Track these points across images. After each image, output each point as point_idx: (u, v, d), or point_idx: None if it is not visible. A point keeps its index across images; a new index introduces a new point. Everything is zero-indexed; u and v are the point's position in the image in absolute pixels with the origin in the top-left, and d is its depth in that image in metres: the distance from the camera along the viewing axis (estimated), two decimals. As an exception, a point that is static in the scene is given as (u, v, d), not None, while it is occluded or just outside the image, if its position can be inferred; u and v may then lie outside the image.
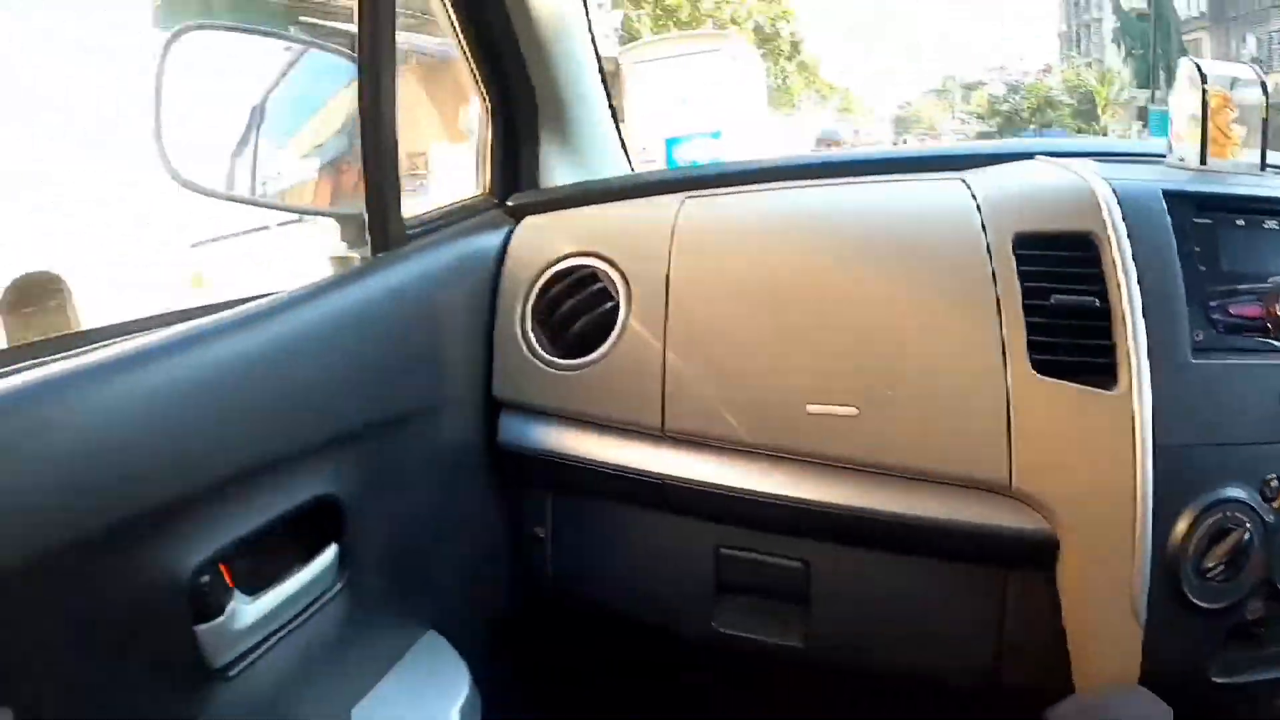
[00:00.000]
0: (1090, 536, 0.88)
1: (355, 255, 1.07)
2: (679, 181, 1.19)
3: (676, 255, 1.07)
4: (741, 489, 1.01)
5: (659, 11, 15.64)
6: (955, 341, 0.93)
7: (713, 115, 8.99)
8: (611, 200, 1.21)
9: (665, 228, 1.09)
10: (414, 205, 1.13)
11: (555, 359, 1.11)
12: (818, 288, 1.00)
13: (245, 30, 1.20)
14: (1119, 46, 24.15)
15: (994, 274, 0.92)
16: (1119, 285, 0.87)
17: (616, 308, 1.09)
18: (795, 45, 23.61)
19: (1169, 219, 0.90)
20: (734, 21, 17.86)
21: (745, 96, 10.33)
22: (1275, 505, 0.86)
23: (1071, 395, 0.87)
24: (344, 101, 1.17)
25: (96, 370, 0.68)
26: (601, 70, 1.35)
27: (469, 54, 1.22)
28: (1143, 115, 20.01)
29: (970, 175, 1.05)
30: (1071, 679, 0.92)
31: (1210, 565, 0.84)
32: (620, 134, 1.43)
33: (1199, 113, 0.99)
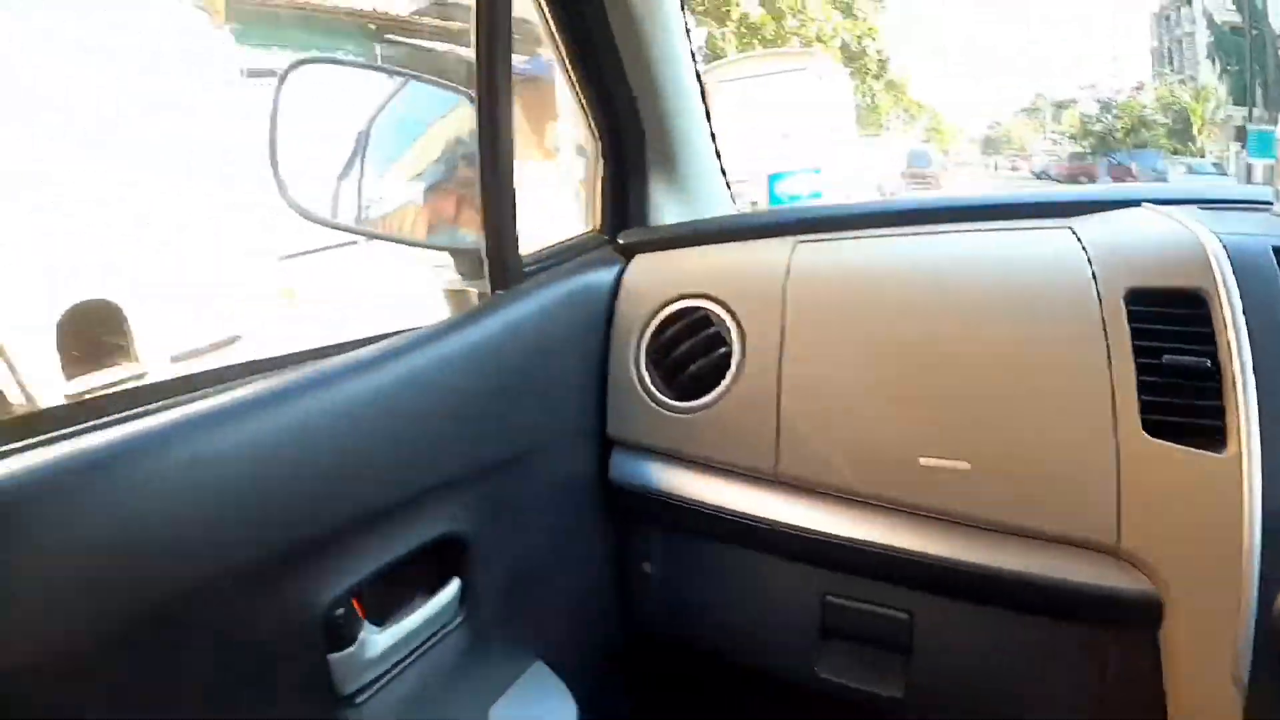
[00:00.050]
0: (1195, 599, 0.86)
1: (472, 290, 1.12)
2: (790, 225, 1.19)
3: (791, 301, 1.07)
4: (851, 538, 1.01)
5: (743, 30, 15.59)
6: (1066, 398, 0.91)
7: (799, 134, 8.94)
8: (722, 241, 1.22)
9: (779, 272, 1.09)
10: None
11: (669, 400, 1.13)
12: (930, 338, 0.99)
13: (353, 64, 1.24)
14: (1213, 63, 23.41)
15: (1105, 330, 0.91)
16: (1229, 345, 0.85)
17: (730, 351, 1.10)
18: (882, 63, 23.39)
19: None
20: (820, 39, 17.74)
21: (834, 115, 10.25)
22: None
23: (1180, 457, 0.85)
24: (442, 131, 1.21)
25: (245, 408, 0.72)
26: (706, 106, 1.36)
27: (580, 93, 1.25)
28: (1241, 135, 19.42)
29: (1078, 224, 1.04)
30: None
31: None
32: (724, 169, 1.43)
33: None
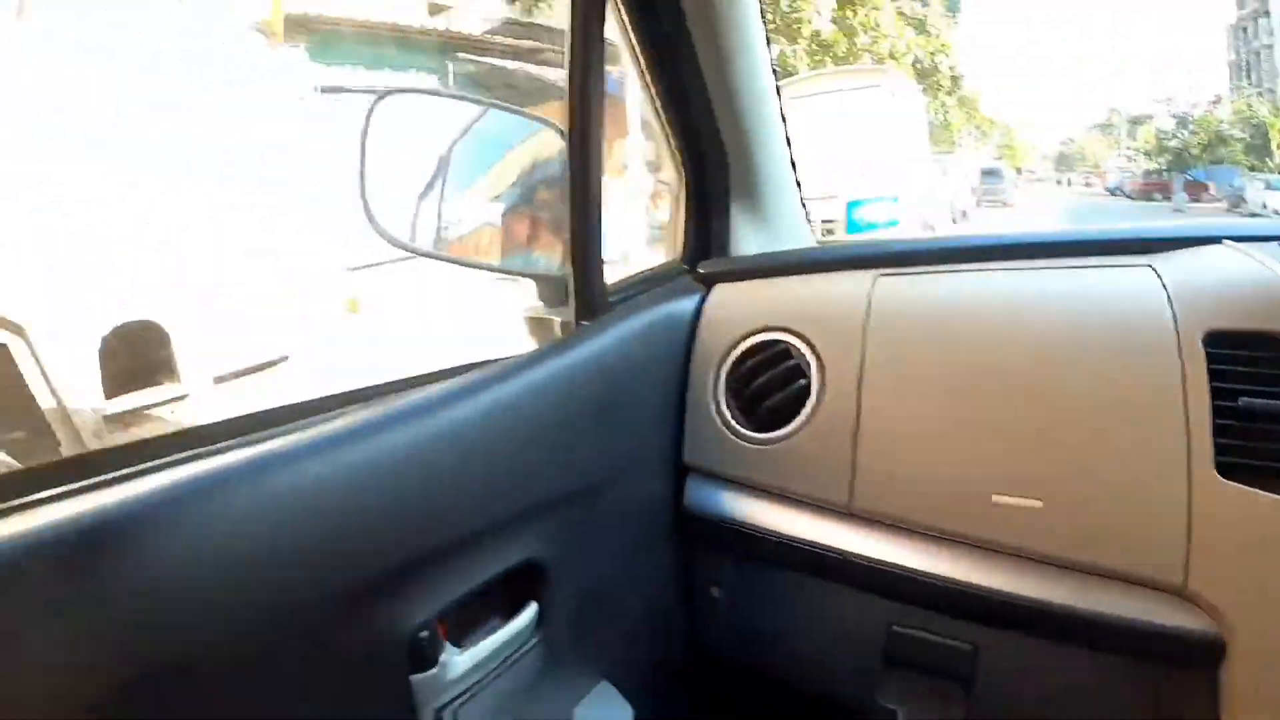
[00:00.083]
0: (1260, 642, 0.86)
1: (555, 319, 1.15)
2: (870, 258, 1.19)
3: (871, 336, 1.08)
4: (921, 571, 1.01)
5: (815, 47, 15.51)
6: (1140, 437, 0.91)
7: (872, 152, 8.88)
8: (803, 273, 1.22)
9: (859, 307, 1.10)
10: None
11: (747, 431, 1.14)
12: (1008, 376, 0.99)
13: (439, 95, 1.27)
14: (1293, 75, 22.79)
15: (1183, 370, 0.90)
16: None
17: (809, 384, 1.10)
18: (955, 80, 23.08)
19: None
20: (892, 56, 17.54)
21: (907, 132, 10.15)
22: None
23: (1253, 500, 0.85)
24: (526, 160, 1.25)
25: (343, 438, 0.76)
26: (787, 135, 1.36)
27: (666, 123, 1.27)
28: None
29: (1159, 262, 1.03)
30: None
31: None
32: (803, 199, 1.43)
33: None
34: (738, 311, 1.20)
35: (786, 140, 1.36)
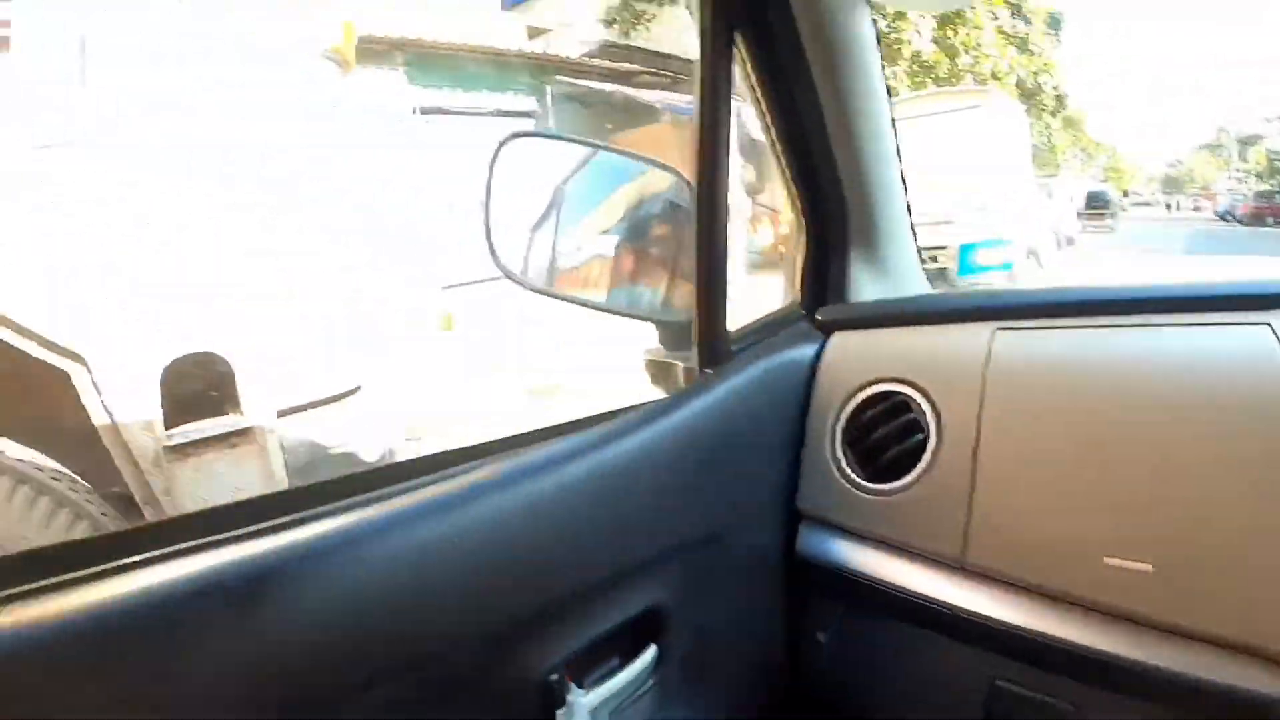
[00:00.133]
0: None
1: (677, 364, 1.19)
2: (989, 310, 1.18)
3: (989, 390, 1.07)
4: (1028, 629, 1.00)
5: (915, 68, 15.31)
6: (1256, 505, 0.88)
7: (976, 174, 8.75)
8: (921, 323, 1.22)
9: (978, 361, 1.09)
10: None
11: (862, 482, 1.14)
12: (1123, 436, 0.97)
13: (562, 139, 1.30)
14: None
15: None
16: None
17: (927, 438, 1.10)
18: (1059, 99, 22.54)
19: None
20: (995, 76, 17.21)
21: (1010, 155, 9.95)
22: None
23: None
24: (624, 196, 1.29)
25: (482, 489, 0.80)
26: (904, 179, 1.36)
27: (786, 168, 1.28)
28: None
29: (1276, 320, 0.99)
30: None
31: None
32: (919, 245, 1.43)
33: None
34: (856, 361, 1.20)
35: (903, 182, 1.36)
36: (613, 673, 0.95)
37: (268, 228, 3.15)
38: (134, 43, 2.87)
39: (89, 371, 2.52)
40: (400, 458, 3.45)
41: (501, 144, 1.16)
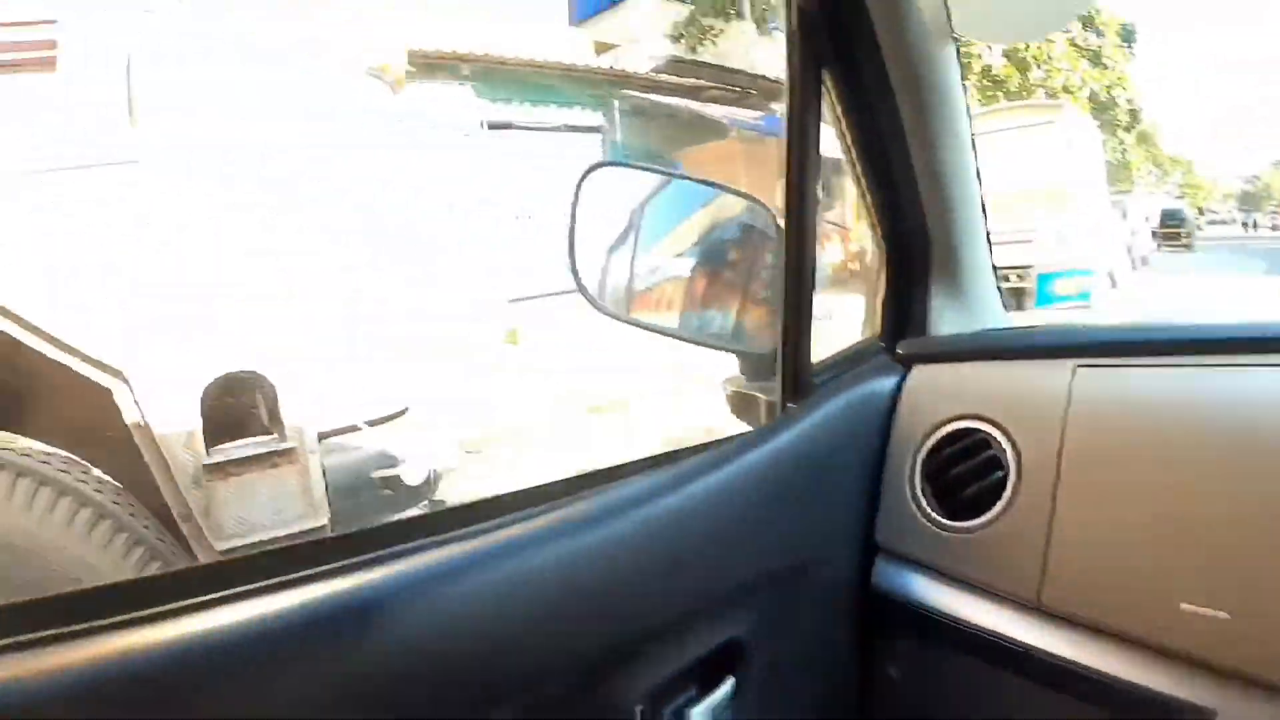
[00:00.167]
0: None
1: (760, 396, 1.20)
2: (1069, 347, 1.17)
3: (1069, 430, 1.06)
4: (1102, 672, 0.99)
5: (986, 82, 15.13)
6: None
7: (1048, 192, 8.63)
8: (1002, 358, 1.22)
9: (1059, 399, 1.08)
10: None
11: (940, 518, 1.14)
12: (1203, 480, 0.95)
13: (646, 169, 1.32)
14: None
15: None
16: None
17: (1006, 476, 1.10)
18: (1133, 114, 22.07)
19: None
20: (1067, 90, 16.94)
21: (1084, 172, 9.79)
22: None
23: None
24: (702, 222, 1.32)
25: (577, 525, 0.83)
26: (984, 208, 1.35)
27: (868, 198, 1.29)
28: None
29: None
30: None
31: None
32: (997, 274, 1.43)
33: None
34: (936, 396, 1.20)
35: (983, 210, 1.36)
36: (691, 703, 0.95)
37: (329, 244, 3.18)
38: (192, 74, 2.91)
39: (130, 388, 2.56)
40: (450, 477, 3.48)
41: (585, 173, 1.19)
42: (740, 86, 14.53)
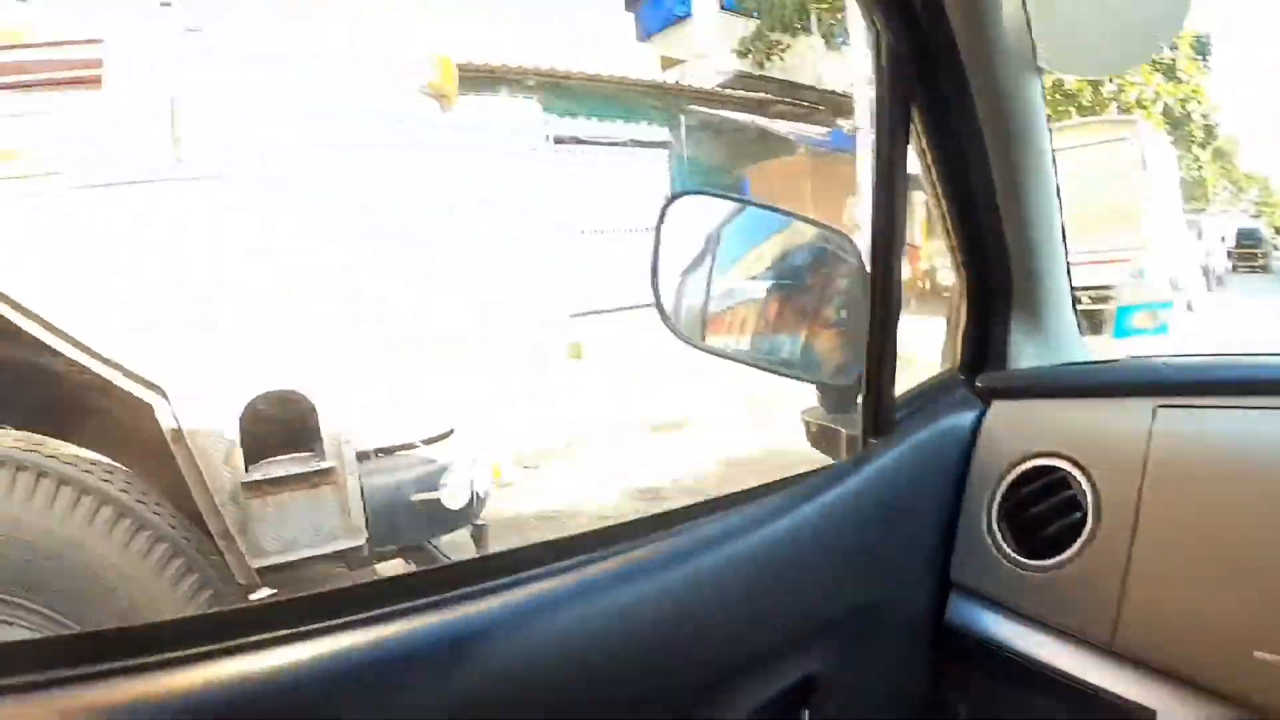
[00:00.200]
0: None
1: (838, 428, 1.22)
2: (1150, 385, 1.17)
3: (1150, 472, 1.05)
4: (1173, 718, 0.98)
5: (1058, 97, 14.83)
6: None
7: (1122, 210, 8.47)
8: (1081, 395, 1.23)
9: (1139, 439, 1.07)
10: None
11: (1017, 556, 1.13)
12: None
13: (727, 198, 1.34)
14: None
15: None
16: None
17: (1085, 516, 1.09)
18: (1209, 129, 21.50)
19: None
20: (1140, 104, 16.58)
21: (1158, 190, 9.59)
22: None
23: None
24: (777, 251, 1.34)
25: (661, 562, 0.85)
26: (1065, 238, 1.35)
27: (952, 232, 1.29)
28: None
29: None
30: None
31: None
32: (1077, 309, 1.42)
33: None
34: (1015, 432, 1.20)
35: (1064, 241, 1.35)
36: None
37: (389, 262, 3.21)
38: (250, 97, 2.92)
39: (169, 403, 2.60)
40: (491, 502, 3.45)
41: (668, 201, 1.21)
42: (808, 101, 14.47)
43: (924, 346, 1.61)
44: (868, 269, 1.13)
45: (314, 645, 0.66)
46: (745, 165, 13.68)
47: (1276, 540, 0.94)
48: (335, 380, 2.85)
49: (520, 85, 11.47)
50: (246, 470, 2.72)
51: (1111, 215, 8.59)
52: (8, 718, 0.56)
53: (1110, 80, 15.83)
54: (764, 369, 1.27)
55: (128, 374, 2.57)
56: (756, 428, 7.00)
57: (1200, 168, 21.70)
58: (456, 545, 3.48)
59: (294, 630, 0.66)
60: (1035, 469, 1.15)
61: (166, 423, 2.61)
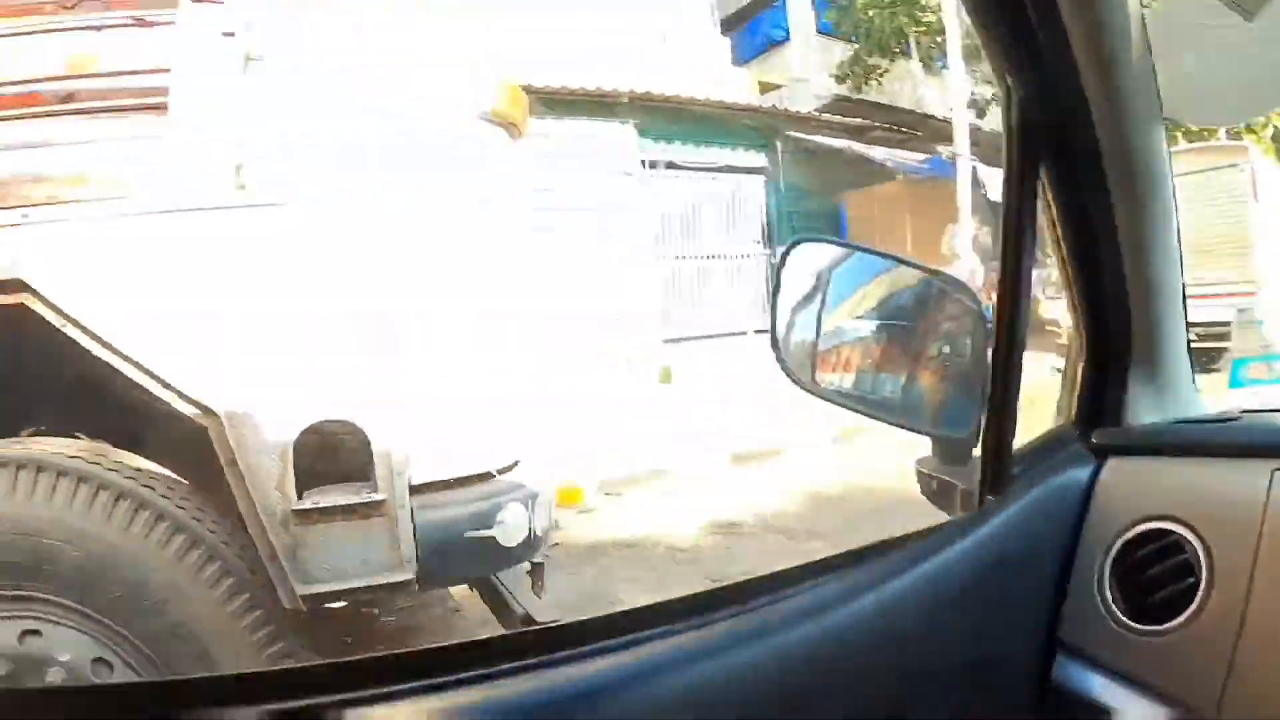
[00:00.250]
0: None
1: (954, 482, 1.23)
2: (1271, 447, 1.12)
3: (1266, 539, 1.02)
4: None
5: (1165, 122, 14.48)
6: None
7: (1233, 241, 8.20)
8: (1197, 454, 1.20)
9: (1257, 503, 1.04)
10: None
11: (1127, 620, 1.11)
12: None
13: (844, 245, 1.35)
14: None
15: None
16: None
17: (1198, 582, 1.06)
18: (1327, 157, 20.67)
19: None
20: (1250, 130, 16.04)
21: (1270, 219, 9.26)
22: None
23: None
24: (893, 299, 1.36)
25: (788, 620, 0.90)
26: (1185, 292, 1.33)
27: (1074, 285, 1.29)
28: None
29: None
30: None
31: None
32: (1193, 364, 1.40)
33: None
34: (1130, 492, 1.19)
35: (1184, 297, 1.33)
36: None
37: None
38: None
39: (224, 428, 2.65)
40: (572, 528, 3.33)
41: (788, 248, 1.25)
42: (907, 127, 14.30)
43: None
44: (987, 320, 1.14)
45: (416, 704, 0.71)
46: (842, 191, 13.59)
47: None
48: (393, 410, 2.85)
49: (616, 109, 11.59)
50: (299, 497, 2.75)
51: (1221, 247, 8.32)
52: None
53: (1219, 105, 15.28)
54: (878, 418, 1.28)
55: (184, 398, 2.64)
56: (848, 462, 6.94)
57: (1316, 196, 20.80)
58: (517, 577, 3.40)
59: (398, 688, 0.72)
60: (1149, 531, 1.13)
61: (221, 447, 2.67)
